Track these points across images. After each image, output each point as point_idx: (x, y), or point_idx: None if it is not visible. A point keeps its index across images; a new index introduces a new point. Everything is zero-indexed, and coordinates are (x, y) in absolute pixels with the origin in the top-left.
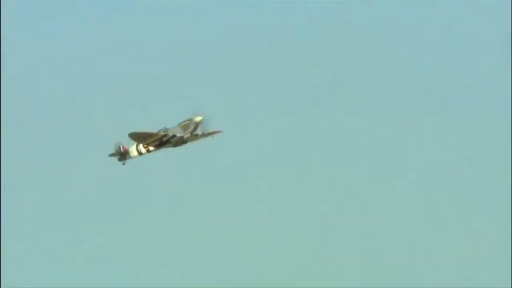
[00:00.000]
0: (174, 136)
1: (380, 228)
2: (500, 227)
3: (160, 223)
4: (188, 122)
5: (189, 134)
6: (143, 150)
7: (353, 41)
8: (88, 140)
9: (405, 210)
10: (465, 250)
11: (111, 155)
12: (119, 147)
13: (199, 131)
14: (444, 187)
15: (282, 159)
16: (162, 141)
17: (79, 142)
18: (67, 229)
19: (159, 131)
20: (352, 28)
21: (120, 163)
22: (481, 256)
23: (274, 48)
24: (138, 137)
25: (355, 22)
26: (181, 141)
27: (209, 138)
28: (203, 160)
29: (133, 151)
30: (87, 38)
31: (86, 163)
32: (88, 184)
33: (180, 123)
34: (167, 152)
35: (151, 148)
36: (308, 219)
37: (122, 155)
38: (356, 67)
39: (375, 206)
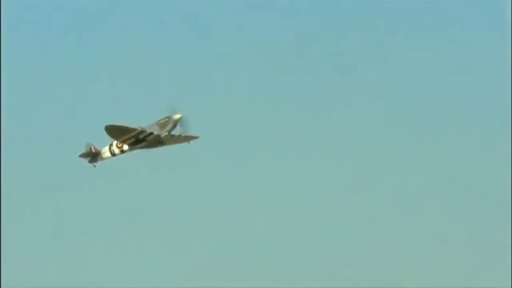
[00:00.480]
0: (151, 133)
1: (378, 225)
2: (500, 226)
3: (134, 226)
4: (166, 120)
5: (166, 133)
6: (117, 151)
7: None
8: (56, 139)
9: (404, 209)
10: (464, 250)
11: (82, 155)
12: (90, 148)
13: (177, 130)
14: (442, 186)
15: (264, 164)
16: (138, 138)
17: (46, 142)
18: (56, 230)
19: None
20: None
21: (91, 165)
22: (481, 256)
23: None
24: (115, 131)
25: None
26: (158, 140)
27: (185, 143)
28: (176, 162)
29: (105, 152)
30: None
31: (57, 163)
32: (76, 185)
33: (158, 121)
34: (141, 153)
35: (125, 147)
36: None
37: (93, 156)
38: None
39: (370, 208)
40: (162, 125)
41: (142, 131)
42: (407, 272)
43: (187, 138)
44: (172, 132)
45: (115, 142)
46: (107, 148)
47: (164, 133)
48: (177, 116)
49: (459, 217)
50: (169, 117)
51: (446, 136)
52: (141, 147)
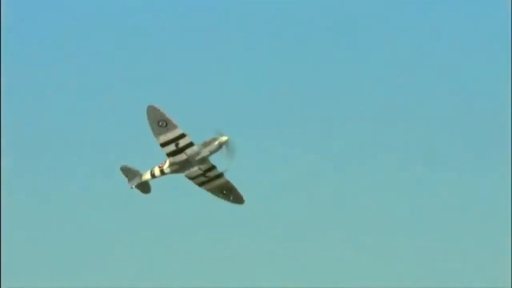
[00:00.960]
0: (191, 144)
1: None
2: (500, 226)
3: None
4: (212, 139)
5: (208, 153)
6: (157, 172)
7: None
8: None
9: (404, 208)
10: (464, 250)
11: (123, 169)
12: (137, 171)
13: (223, 154)
14: (441, 185)
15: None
16: (177, 146)
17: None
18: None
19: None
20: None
21: (129, 184)
22: (481, 256)
23: None
24: (156, 114)
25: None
26: (196, 156)
27: (226, 200)
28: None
29: (146, 173)
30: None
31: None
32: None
33: (203, 141)
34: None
35: (165, 167)
36: None
37: (135, 176)
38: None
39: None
40: (205, 144)
41: (183, 135)
42: (406, 272)
43: (232, 192)
44: (217, 156)
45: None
46: (148, 171)
47: (205, 153)
48: (224, 138)
49: (458, 216)
50: (214, 138)
51: (445, 137)
52: (180, 166)
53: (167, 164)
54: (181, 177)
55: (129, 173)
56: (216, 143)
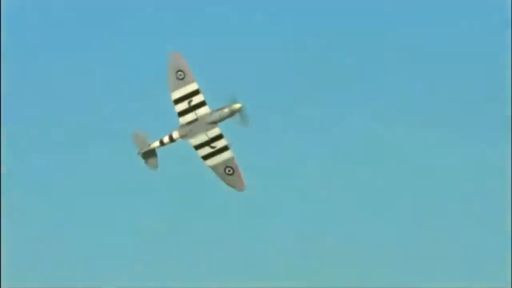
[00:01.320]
0: (204, 103)
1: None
2: (500, 226)
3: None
4: (224, 106)
5: (218, 117)
6: (166, 139)
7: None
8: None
9: (404, 206)
10: (464, 249)
11: (135, 135)
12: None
13: (236, 121)
14: (442, 184)
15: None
16: (190, 103)
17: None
18: (66, 228)
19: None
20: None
21: (137, 153)
22: (481, 256)
23: None
24: (177, 62)
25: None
26: (205, 117)
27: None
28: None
29: (155, 142)
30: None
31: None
32: (92, 178)
33: (216, 108)
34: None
35: (174, 134)
36: None
37: (144, 143)
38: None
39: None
40: (217, 109)
41: (198, 91)
42: (406, 271)
43: (235, 172)
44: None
45: None
46: (157, 140)
47: (215, 117)
48: (237, 105)
49: (458, 216)
50: (227, 105)
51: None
52: (189, 130)
53: (176, 132)
54: (186, 159)
55: (140, 139)
56: (227, 109)
